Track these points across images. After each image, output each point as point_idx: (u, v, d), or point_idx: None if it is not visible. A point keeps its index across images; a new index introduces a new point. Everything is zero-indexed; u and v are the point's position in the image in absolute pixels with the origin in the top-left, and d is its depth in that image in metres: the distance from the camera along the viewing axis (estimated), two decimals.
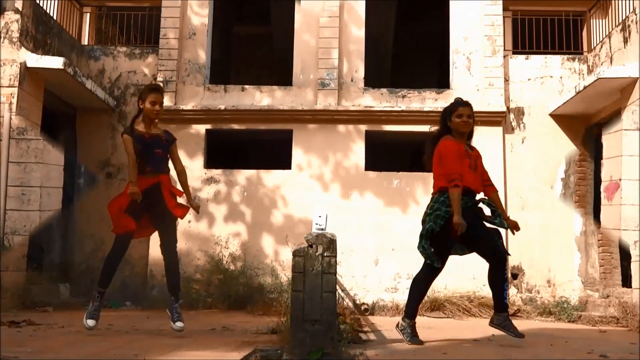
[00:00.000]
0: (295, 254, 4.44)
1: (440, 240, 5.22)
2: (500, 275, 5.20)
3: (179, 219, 5.92)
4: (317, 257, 4.43)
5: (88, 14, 11.45)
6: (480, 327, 7.02)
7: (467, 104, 5.46)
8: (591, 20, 10.74)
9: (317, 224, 4.47)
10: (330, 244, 4.46)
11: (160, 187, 5.61)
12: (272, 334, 5.60)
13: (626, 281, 9.24)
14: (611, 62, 9.27)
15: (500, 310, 5.23)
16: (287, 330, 4.71)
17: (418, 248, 5.35)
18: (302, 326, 4.32)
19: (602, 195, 9.01)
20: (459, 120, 5.34)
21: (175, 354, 4.18)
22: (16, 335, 5.28)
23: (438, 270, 5.35)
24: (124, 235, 5.64)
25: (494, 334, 6.31)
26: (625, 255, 9.12)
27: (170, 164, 5.87)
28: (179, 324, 5.48)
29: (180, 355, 4.06)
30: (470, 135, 5.56)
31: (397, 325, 5.49)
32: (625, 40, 8.93)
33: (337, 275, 8.51)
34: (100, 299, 5.62)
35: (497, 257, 5.19)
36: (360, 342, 5.24)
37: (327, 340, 4.29)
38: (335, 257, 4.45)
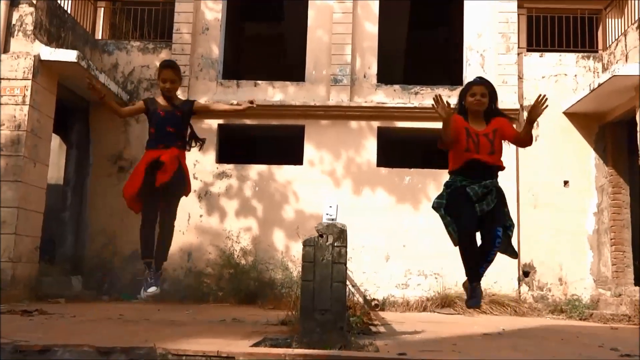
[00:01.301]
0: (305, 243, 4.44)
1: (456, 205, 4.98)
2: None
3: (183, 197, 5.89)
4: (328, 247, 4.43)
5: (102, 9, 11.51)
6: (491, 323, 7.00)
7: (482, 82, 5.25)
8: (607, 19, 10.66)
9: (327, 214, 4.48)
10: (341, 234, 4.46)
11: (168, 157, 5.59)
12: (282, 325, 5.61)
13: (639, 280, 9.19)
14: (626, 60, 9.20)
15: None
16: (297, 321, 4.71)
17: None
18: (312, 315, 4.33)
19: None
20: (472, 99, 5.13)
21: (185, 341, 4.19)
22: (28, 323, 5.32)
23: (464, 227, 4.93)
24: (142, 208, 5.63)
25: (504, 328, 6.30)
26: (638, 255, 9.07)
27: None
28: (152, 288, 5.50)
29: (190, 342, 4.06)
30: (492, 113, 5.20)
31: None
32: None
33: (348, 271, 8.53)
34: (150, 268, 5.60)
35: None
36: (369, 334, 5.23)
37: (336, 330, 4.29)
38: (346, 247, 4.45)
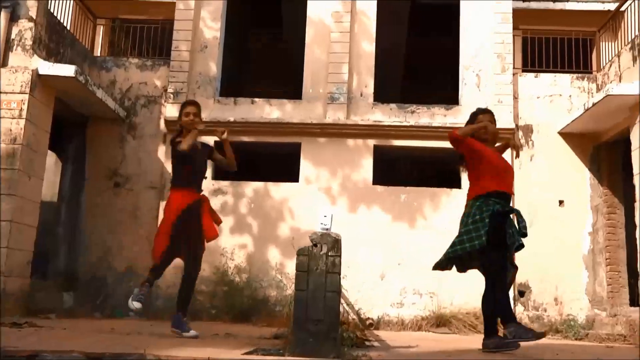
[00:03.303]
0: (299, 252, 4.42)
1: (496, 239, 4.94)
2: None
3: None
4: (322, 256, 4.40)
5: (102, 27, 11.59)
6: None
7: (486, 111, 5.42)
8: (600, 42, 10.77)
9: (322, 223, 4.45)
10: (335, 243, 4.44)
11: (202, 205, 5.76)
12: (275, 339, 5.57)
13: (634, 301, 9.15)
14: (620, 80, 9.27)
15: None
16: (290, 334, 4.67)
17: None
18: (305, 326, 4.29)
19: (639, 241, 8.55)
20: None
21: (176, 349, 4.15)
22: (17, 333, 5.26)
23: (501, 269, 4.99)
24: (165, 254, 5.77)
25: None
26: (633, 274, 9.04)
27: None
28: (192, 332, 5.62)
29: (181, 351, 4.02)
30: (494, 141, 5.43)
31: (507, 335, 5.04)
32: (635, 59, 8.94)
33: (342, 289, 8.48)
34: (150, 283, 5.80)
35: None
36: (363, 347, 5.19)
37: (330, 341, 4.25)
38: (340, 257, 4.43)
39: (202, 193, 6.04)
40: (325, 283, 4.36)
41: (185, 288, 5.82)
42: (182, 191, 5.73)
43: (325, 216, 4.54)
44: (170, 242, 5.61)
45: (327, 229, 4.54)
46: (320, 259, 4.40)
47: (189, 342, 4.99)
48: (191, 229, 5.70)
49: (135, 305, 5.72)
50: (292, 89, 10.91)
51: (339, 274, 4.39)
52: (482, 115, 5.34)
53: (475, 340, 7.40)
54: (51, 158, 10.62)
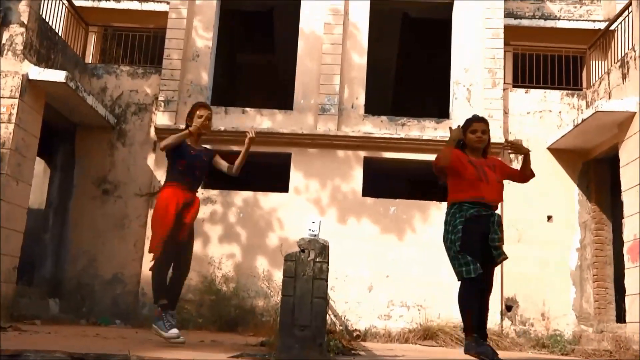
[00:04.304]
0: (287, 258, 4.40)
1: (468, 245, 4.97)
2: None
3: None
4: (309, 262, 4.39)
5: (94, 34, 11.58)
6: None
7: (481, 120, 5.42)
8: (590, 60, 10.86)
9: (310, 229, 4.44)
10: (323, 249, 4.43)
11: (194, 205, 5.63)
12: (261, 346, 5.53)
13: (620, 317, 9.16)
14: (609, 97, 9.33)
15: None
16: (276, 339, 4.63)
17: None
18: (291, 331, 4.26)
19: (626, 258, 8.55)
20: (473, 136, 5.27)
21: (161, 351, 4.11)
22: (0, 336, 5.20)
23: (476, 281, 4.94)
24: (164, 252, 5.48)
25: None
26: (619, 290, 9.06)
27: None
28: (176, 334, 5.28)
29: (165, 354, 3.98)
30: (486, 150, 5.41)
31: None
32: (624, 77, 9.01)
33: (330, 301, 8.43)
34: (165, 312, 5.39)
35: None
36: (349, 355, 5.16)
37: (316, 347, 4.23)
38: (328, 263, 4.41)
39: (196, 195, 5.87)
40: (312, 289, 4.34)
41: (177, 287, 5.65)
42: (176, 187, 5.57)
43: (313, 222, 4.53)
44: (169, 233, 5.40)
45: (315, 235, 4.52)
46: (308, 265, 4.38)
47: (174, 345, 4.94)
48: (183, 227, 5.57)
49: (173, 333, 5.27)
50: (282, 104, 10.90)
51: (326, 280, 4.37)
52: (476, 123, 5.34)
53: (462, 354, 7.40)
54: (40, 165, 10.59)
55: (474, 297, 4.98)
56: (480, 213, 5.04)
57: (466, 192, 5.14)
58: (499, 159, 5.55)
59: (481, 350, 4.79)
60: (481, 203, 5.09)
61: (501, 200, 5.30)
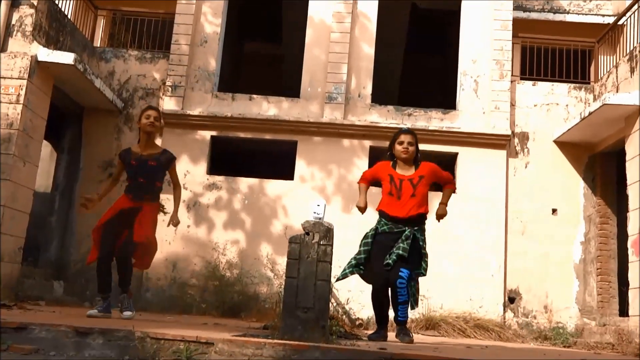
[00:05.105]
0: (291, 240, 4.43)
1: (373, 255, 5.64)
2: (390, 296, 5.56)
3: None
4: (313, 244, 4.42)
5: (103, 18, 11.59)
6: (475, 343, 6.94)
7: (408, 132, 5.62)
8: (599, 53, 10.83)
9: (315, 212, 4.46)
10: (327, 232, 4.45)
11: (138, 213, 5.84)
12: (264, 329, 5.56)
13: (623, 311, 9.17)
14: (617, 91, 9.30)
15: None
16: (279, 320, 4.66)
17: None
18: (294, 313, 4.29)
19: (630, 251, 8.55)
20: (399, 147, 5.59)
21: (164, 329, 4.14)
22: (6, 312, 5.25)
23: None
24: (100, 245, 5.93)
25: (487, 346, 6.26)
26: (623, 284, 9.06)
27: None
28: (127, 313, 5.90)
29: (169, 331, 4.01)
30: (415, 161, 5.70)
31: None
32: (632, 70, 8.99)
33: (333, 289, 8.45)
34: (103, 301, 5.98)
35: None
36: (351, 338, 5.19)
37: (319, 329, 4.26)
38: (332, 246, 4.44)
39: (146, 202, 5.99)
40: (316, 271, 4.37)
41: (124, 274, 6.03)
42: (124, 197, 6.01)
43: (318, 205, 4.56)
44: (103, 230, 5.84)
45: (319, 218, 4.55)
46: (312, 247, 4.41)
47: (177, 323, 4.98)
48: (121, 231, 5.91)
49: (125, 315, 5.96)
50: (288, 93, 10.91)
51: (330, 263, 4.40)
52: (403, 135, 5.60)
53: (465, 342, 7.43)
54: (46, 148, 10.62)
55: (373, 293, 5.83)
56: (392, 230, 5.53)
57: (384, 206, 5.65)
58: (434, 164, 5.80)
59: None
60: (396, 219, 5.49)
61: (420, 211, 5.62)
